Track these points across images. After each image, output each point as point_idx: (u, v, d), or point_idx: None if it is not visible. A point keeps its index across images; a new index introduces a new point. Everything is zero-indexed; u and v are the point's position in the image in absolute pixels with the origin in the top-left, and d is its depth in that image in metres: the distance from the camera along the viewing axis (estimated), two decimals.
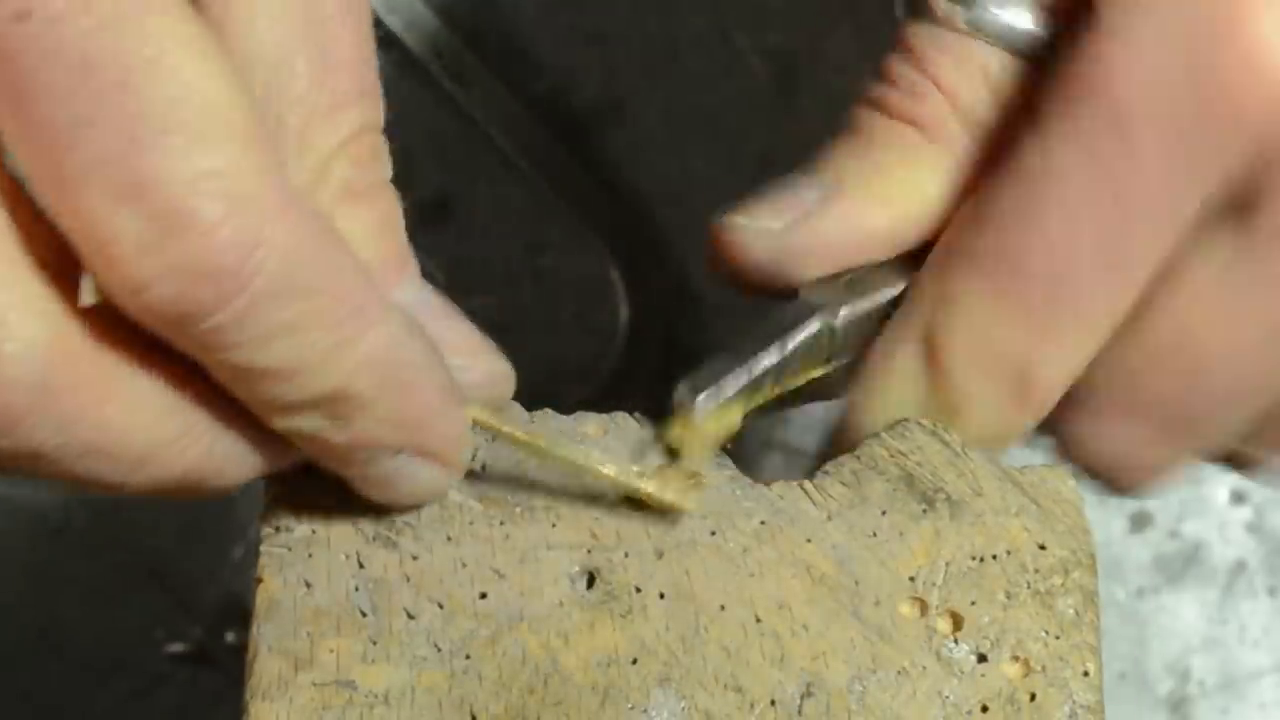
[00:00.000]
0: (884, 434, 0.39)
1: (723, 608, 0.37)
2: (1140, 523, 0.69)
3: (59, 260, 0.31)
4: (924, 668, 0.37)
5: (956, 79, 0.40)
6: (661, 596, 0.37)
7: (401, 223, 0.36)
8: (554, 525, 0.37)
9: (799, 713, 0.36)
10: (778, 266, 0.40)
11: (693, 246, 0.73)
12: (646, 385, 0.71)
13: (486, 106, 0.71)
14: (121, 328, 0.31)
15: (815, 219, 0.40)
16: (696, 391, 0.38)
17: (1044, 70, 0.39)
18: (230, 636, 0.68)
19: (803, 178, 0.40)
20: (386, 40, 0.71)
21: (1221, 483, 0.70)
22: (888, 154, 0.40)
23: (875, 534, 0.38)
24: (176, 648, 0.70)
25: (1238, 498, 0.70)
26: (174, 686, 0.69)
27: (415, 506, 0.37)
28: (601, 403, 0.70)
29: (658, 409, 0.41)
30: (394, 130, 0.75)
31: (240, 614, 0.68)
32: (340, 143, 0.34)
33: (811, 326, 0.39)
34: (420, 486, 0.35)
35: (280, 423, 0.33)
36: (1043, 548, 0.38)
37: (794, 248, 0.40)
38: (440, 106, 0.71)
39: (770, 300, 0.41)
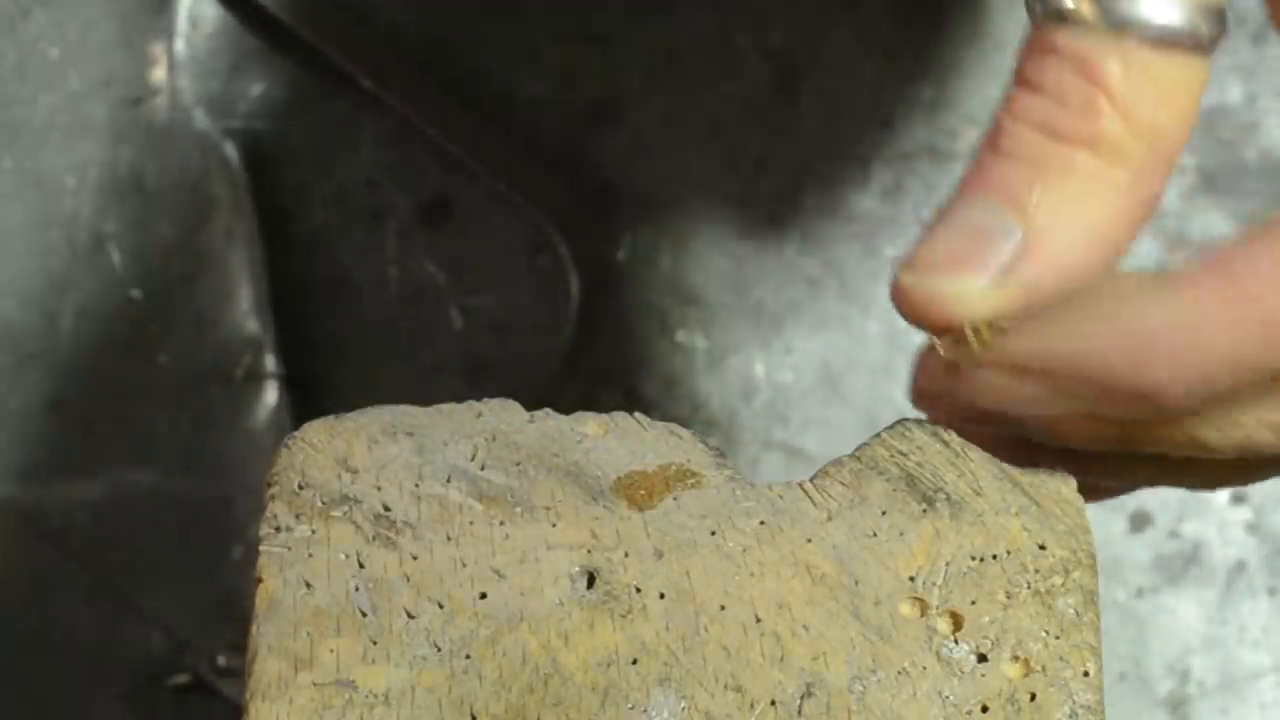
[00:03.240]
0: (884, 434, 0.39)
1: (723, 608, 0.37)
2: (1140, 523, 0.69)
3: None
4: (924, 668, 0.37)
5: (1126, 87, 0.37)
6: (661, 596, 0.37)
7: None
8: (554, 525, 0.37)
9: (799, 713, 0.36)
10: (983, 319, 0.38)
11: (692, 247, 0.73)
12: (646, 384, 0.71)
13: (486, 106, 0.71)
14: None
15: (1021, 271, 0.37)
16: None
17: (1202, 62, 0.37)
18: (230, 637, 0.68)
19: (981, 215, 0.37)
20: (389, 39, 0.71)
21: None
22: (1069, 185, 0.37)
23: (875, 534, 0.38)
24: (176, 648, 0.70)
25: (1238, 498, 0.70)
26: (174, 685, 0.69)
27: None
28: (601, 402, 0.70)
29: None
30: (394, 130, 0.76)
31: (240, 614, 0.68)
32: None
33: None
34: None
35: None
36: (1043, 547, 0.38)
37: (1003, 303, 0.37)
38: (440, 106, 0.71)
39: None
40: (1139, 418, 0.37)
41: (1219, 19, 0.38)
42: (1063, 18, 0.37)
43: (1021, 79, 0.38)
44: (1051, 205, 0.37)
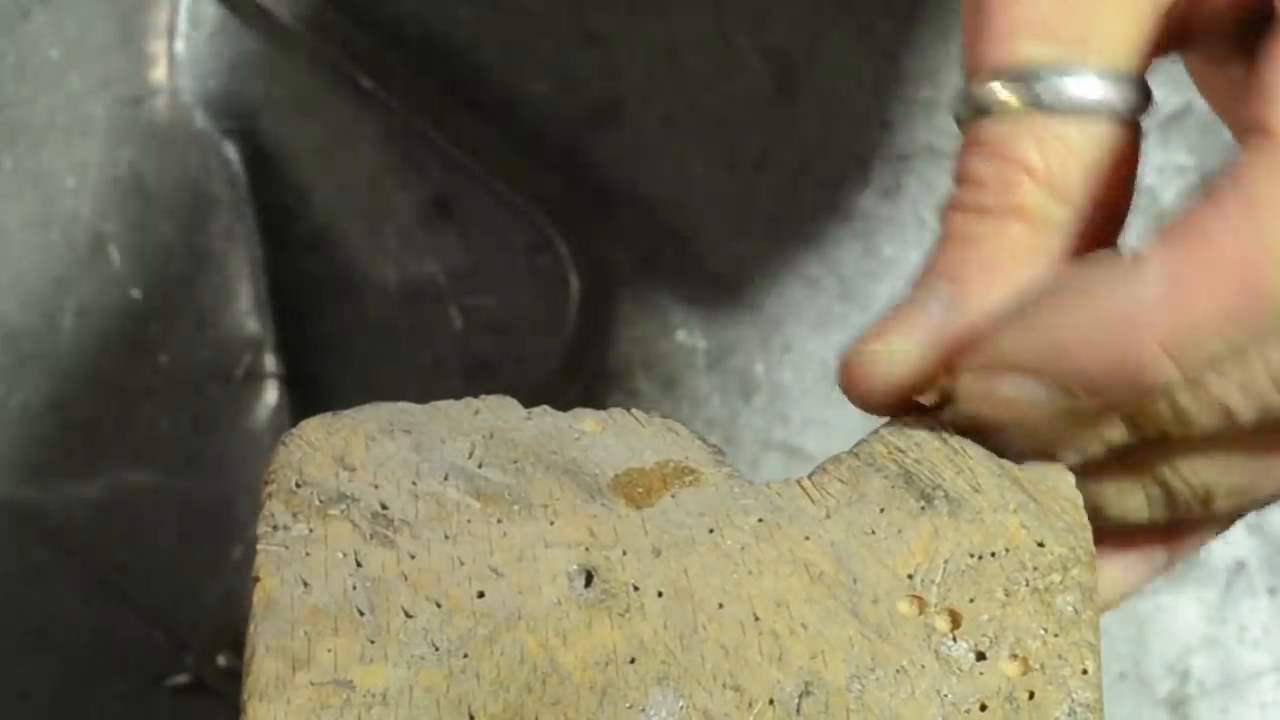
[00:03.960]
0: (882, 431, 0.39)
1: (721, 606, 0.37)
2: None
3: None
4: (922, 666, 0.37)
5: (1041, 157, 0.39)
6: (659, 595, 0.37)
7: None
8: (552, 523, 0.37)
9: (797, 711, 0.36)
10: (917, 384, 0.39)
11: (692, 247, 0.73)
12: (646, 384, 0.71)
13: (486, 106, 0.71)
14: None
15: (947, 332, 0.39)
16: None
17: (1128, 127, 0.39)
18: (230, 637, 0.68)
19: (919, 292, 0.40)
20: (390, 39, 0.71)
21: None
22: (998, 251, 0.39)
23: (873, 531, 0.38)
24: (176, 648, 0.70)
25: None
26: (174, 686, 0.69)
27: None
28: (601, 402, 0.70)
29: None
30: (394, 130, 0.76)
31: (240, 614, 0.68)
32: None
33: None
34: None
35: None
36: (1041, 545, 0.38)
37: (931, 364, 0.39)
38: (440, 106, 0.71)
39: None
40: (1122, 401, 0.38)
41: (1139, 89, 0.40)
42: (987, 111, 0.39)
43: (954, 177, 0.40)
44: (983, 268, 0.39)
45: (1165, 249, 0.36)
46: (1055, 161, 0.39)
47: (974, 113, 0.40)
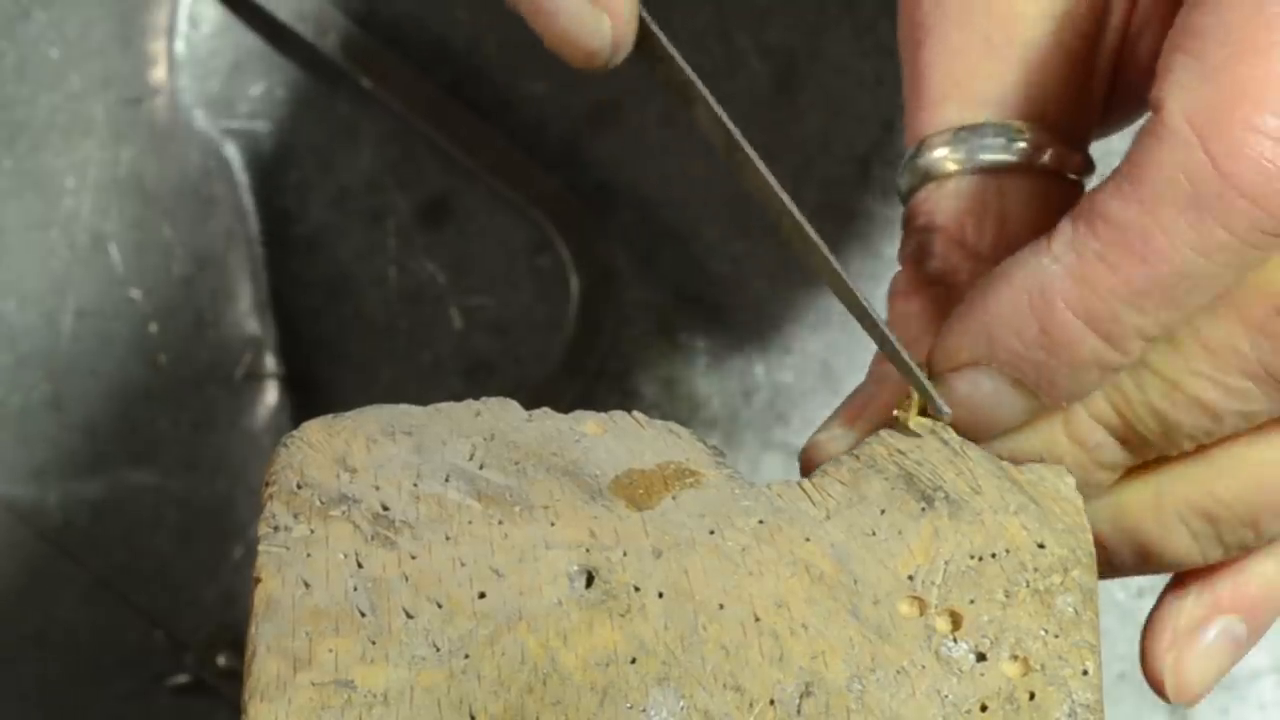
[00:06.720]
0: (883, 432, 0.39)
1: (721, 607, 0.37)
2: None
3: None
4: (923, 667, 0.37)
5: (954, 216, 0.41)
6: (660, 596, 0.37)
7: None
8: (552, 524, 0.37)
9: (798, 712, 0.36)
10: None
11: (692, 247, 0.73)
12: (646, 384, 0.71)
13: (486, 106, 0.71)
14: None
15: (870, 414, 0.41)
16: None
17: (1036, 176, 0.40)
18: (230, 637, 0.68)
19: (862, 384, 0.42)
20: (389, 39, 0.71)
21: None
22: (920, 325, 0.41)
23: (874, 533, 0.38)
24: (176, 648, 0.70)
25: None
26: (174, 686, 0.69)
27: (586, 57, 0.39)
28: (601, 402, 0.70)
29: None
30: (394, 130, 0.75)
31: (240, 614, 0.68)
32: None
33: None
34: (576, 17, 0.38)
35: None
36: (1042, 546, 0.38)
37: (856, 437, 0.41)
38: (440, 106, 0.71)
39: None
40: (1074, 385, 0.38)
41: (1075, 146, 0.41)
42: (929, 177, 0.41)
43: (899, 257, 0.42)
44: (913, 343, 0.40)
45: (1070, 226, 0.37)
46: (967, 217, 0.40)
47: (919, 180, 0.41)
